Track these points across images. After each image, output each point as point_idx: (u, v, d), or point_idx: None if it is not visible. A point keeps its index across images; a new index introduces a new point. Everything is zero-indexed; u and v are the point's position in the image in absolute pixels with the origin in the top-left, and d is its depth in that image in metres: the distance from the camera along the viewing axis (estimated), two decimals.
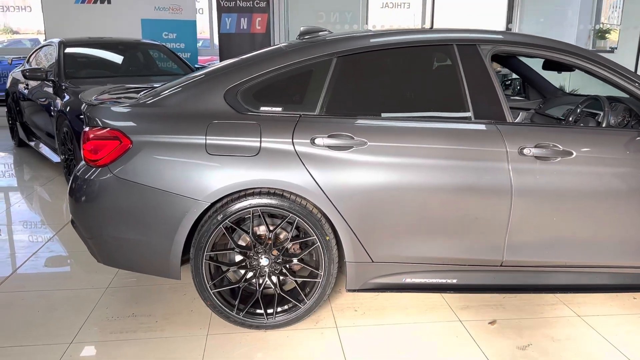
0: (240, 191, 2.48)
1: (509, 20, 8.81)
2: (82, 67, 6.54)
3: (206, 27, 11.60)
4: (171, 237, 2.48)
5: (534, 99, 4.00)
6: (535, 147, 2.52)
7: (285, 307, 2.63)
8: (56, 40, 6.55)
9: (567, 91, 4.23)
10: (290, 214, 2.50)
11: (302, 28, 3.07)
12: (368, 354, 2.45)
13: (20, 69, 6.97)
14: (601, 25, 8.44)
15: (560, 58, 2.72)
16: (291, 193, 2.49)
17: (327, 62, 2.62)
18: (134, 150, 2.48)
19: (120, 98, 2.86)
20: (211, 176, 2.44)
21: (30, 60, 7.09)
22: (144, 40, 7.76)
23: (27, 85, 6.47)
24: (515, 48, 2.77)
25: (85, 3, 9.69)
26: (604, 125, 2.86)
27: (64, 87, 5.41)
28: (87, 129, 2.59)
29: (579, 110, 3.15)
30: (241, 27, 10.51)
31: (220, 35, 10.40)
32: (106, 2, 9.75)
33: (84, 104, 2.73)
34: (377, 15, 11.67)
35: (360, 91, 2.67)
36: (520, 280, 2.68)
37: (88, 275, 3.25)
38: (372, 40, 2.69)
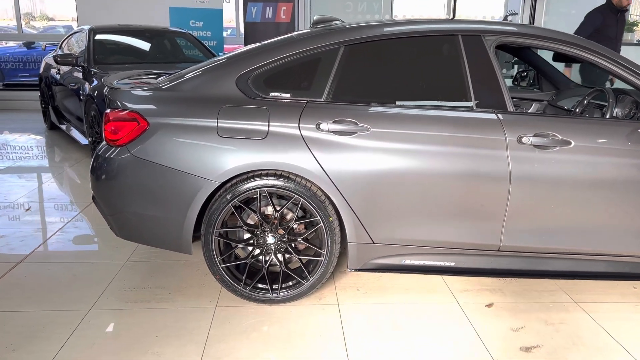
0: (248, 172, 2.63)
1: (532, 11, 8.73)
2: (111, 53, 6.77)
3: (234, 16, 11.77)
4: (184, 213, 2.65)
5: (547, 90, 4.03)
6: (534, 136, 2.59)
7: (290, 283, 2.77)
8: (87, 27, 6.80)
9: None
10: (295, 195, 2.63)
11: (315, 17, 3.19)
12: (364, 328, 2.57)
13: (52, 55, 7.25)
14: (629, 18, 8.29)
15: (564, 50, 2.77)
16: (297, 175, 2.62)
17: (335, 51, 2.73)
18: (150, 132, 2.64)
19: (141, 82, 3.03)
20: (221, 157, 2.59)
21: (63, 46, 7.36)
22: (171, 28, 7.96)
23: (58, 70, 6.74)
24: (519, 39, 2.83)
25: None
26: (607, 117, 2.90)
27: (92, 73, 5.64)
28: (108, 110, 2.76)
29: (585, 102, 3.19)
30: (266, 16, 10.63)
31: (246, 24, 10.54)
32: None
33: (106, 87, 2.90)
34: (403, 4, 11.67)
35: (366, 79, 2.77)
36: (517, 265, 2.76)
37: (109, 250, 3.45)
38: (379, 30, 2.79)
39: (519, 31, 2.84)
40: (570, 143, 2.59)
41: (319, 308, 2.76)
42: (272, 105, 2.64)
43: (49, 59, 7.39)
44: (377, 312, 2.73)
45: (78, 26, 8.91)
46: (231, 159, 2.59)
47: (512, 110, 2.66)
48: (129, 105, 2.71)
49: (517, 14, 10.76)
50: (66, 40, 7.34)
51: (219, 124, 2.60)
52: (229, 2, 11.38)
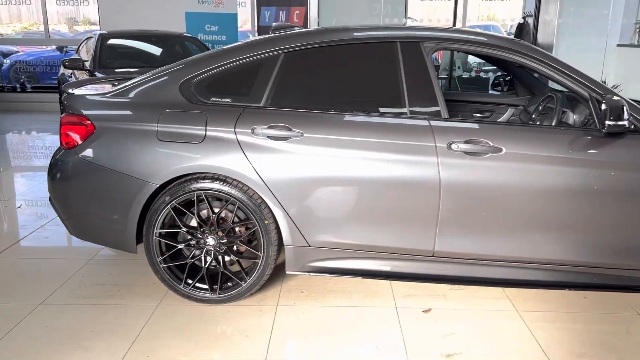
0: (186, 175, 2.72)
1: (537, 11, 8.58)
2: (117, 57, 7.03)
3: (249, 20, 11.96)
4: (127, 214, 2.76)
5: (522, 95, 3.99)
6: (465, 142, 2.58)
7: (229, 284, 2.85)
8: (98, 32, 7.08)
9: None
10: (232, 199, 2.71)
11: (274, 24, 3.26)
12: (293, 331, 2.63)
13: (63, 59, 7.56)
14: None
15: (503, 56, 2.75)
16: (233, 179, 2.70)
17: (275, 58, 2.80)
18: (96, 135, 2.77)
19: (97, 88, 3.16)
20: (160, 161, 2.69)
21: (80, 50, 7.67)
22: (178, 33, 8.17)
23: (72, 74, 7.03)
24: (459, 45, 2.83)
25: None
26: (554, 123, 2.87)
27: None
28: (63, 115, 2.91)
29: (540, 107, 3.15)
30: (280, 20, 10.76)
31: (260, 28, 10.71)
32: None
33: (64, 93, 3.05)
34: (417, 8, 11.61)
35: (304, 85, 2.82)
36: (453, 271, 2.76)
37: (79, 247, 3.60)
38: (318, 37, 2.84)
39: (458, 37, 2.84)
40: (501, 150, 2.57)
41: (256, 309, 2.82)
42: (211, 110, 2.73)
43: None
44: (312, 315, 2.78)
45: (100, 30, 9.28)
46: (169, 162, 2.69)
47: (446, 117, 2.66)
48: (79, 109, 2.85)
49: (532, 15, 10.56)
50: (83, 45, 7.65)
51: (159, 128, 2.70)
52: (245, 6, 11.57)
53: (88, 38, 7.50)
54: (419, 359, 2.41)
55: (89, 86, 3.24)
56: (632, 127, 2.55)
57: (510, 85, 4.22)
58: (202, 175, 2.72)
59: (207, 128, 2.69)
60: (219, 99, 2.78)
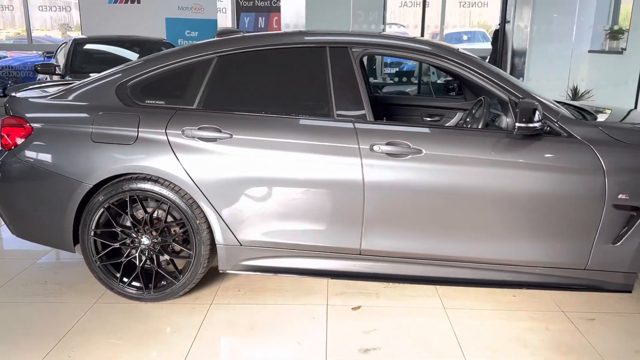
0: (120, 175, 2.79)
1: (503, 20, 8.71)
2: (91, 62, 7.11)
3: (230, 26, 12.05)
4: (63, 214, 2.83)
5: (470, 99, 4.07)
6: (386, 144, 2.67)
7: (163, 283, 2.92)
8: (72, 37, 7.16)
9: None
10: (164, 199, 2.78)
11: (219, 29, 3.35)
12: (221, 328, 2.69)
13: (35, 64, 7.63)
14: (614, 27, 8.14)
15: (427, 61, 2.85)
16: (164, 180, 2.77)
17: (208, 61, 2.88)
18: (34, 137, 2.84)
19: (38, 91, 3.23)
20: (94, 161, 2.77)
21: (57, 55, 7.74)
22: (154, 38, 8.25)
23: (46, 79, 7.10)
24: (385, 51, 2.92)
25: (117, 3, 10.34)
26: (480, 126, 2.95)
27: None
28: (3, 117, 2.98)
29: (474, 111, 3.24)
30: (259, 26, 10.86)
31: None
32: (136, 2, 10.36)
33: (7, 97, 3.12)
34: (396, 14, 11.74)
35: (236, 88, 2.91)
36: (379, 269, 2.83)
37: (29, 248, 3.65)
38: (251, 42, 2.92)
39: (385, 43, 2.92)
40: (421, 152, 2.66)
41: (190, 307, 2.89)
42: (144, 112, 2.81)
43: None
44: (243, 312, 2.84)
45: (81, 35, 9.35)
46: (102, 163, 2.76)
47: (370, 120, 2.75)
48: (18, 111, 2.92)
49: (509, 22, 10.69)
50: (60, 50, 7.72)
51: (93, 130, 2.78)
52: (225, 12, 11.67)
53: (65, 43, 7.57)
54: (337, 353, 2.48)
55: (33, 90, 3.31)
56: (547, 129, 2.63)
57: (460, 89, 4.31)
58: (134, 176, 2.79)
59: (140, 130, 2.76)
60: (153, 102, 2.86)
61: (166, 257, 2.90)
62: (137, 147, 2.75)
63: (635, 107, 6.98)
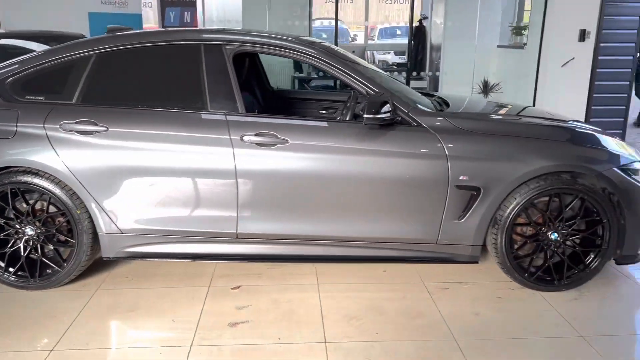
0: (1, 169, 2.89)
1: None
2: (5, 58, 6.95)
3: (155, 21, 11.94)
4: None
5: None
6: (256, 135, 2.89)
7: (49, 271, 3.04)
8: None
9: None
10: (45, 191, 2.90)
11: (108, 26, 3.47)
12: (102, 311, 2.85)
13: None
14: (517, 23, 8.71)
15: (297, 58, 3.09)
16: (45, 172, 2.89)
17: (87, 58, 3.02)
18: None
19: None
20: None
21: None
22: (71, 33, 8.12)
23: None
24: (257, 48, 3.14)
25: None
26: (348, 118, 3.22)
27: None
28: None
29: (349, 105, 3.51)
30: (185, 21, 10.84)
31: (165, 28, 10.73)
32: None
33: None
34: (322, 10, 12.00)
35: (115, 84, 3.05)
36: (256, 250, 3.06)
37: None
38: (131, 40, 3.07)
39: (256, 40, 3.14)
40: (287, 141, 2.90)
41: (75, 293, 3.03)
42: (23, 107, 2.91)
43: None
44: (127, 296, 3.01)
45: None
46: None
47: (242, 113, 2.96)
48: None
49: (427, 17, 11.19)
50: None
51: None
52: (151, 7, 11.56)
53: None
54: (206, 328, 2.69)
55: None
56: (398, 119, 2.93)
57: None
58: (14, 169, 2.90)
59: (18, 124, 2.87)
60: (33, 97, 2.96)
61: (51, 246, 3.01)
62: (16, 141, 2.86)
63: (534, 98, 7.50)
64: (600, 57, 5.93)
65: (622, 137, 6.30)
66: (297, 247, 3.08)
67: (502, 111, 3.58)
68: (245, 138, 2.89)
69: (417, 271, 3.34)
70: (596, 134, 3.20)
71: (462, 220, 2.98)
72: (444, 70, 9.38)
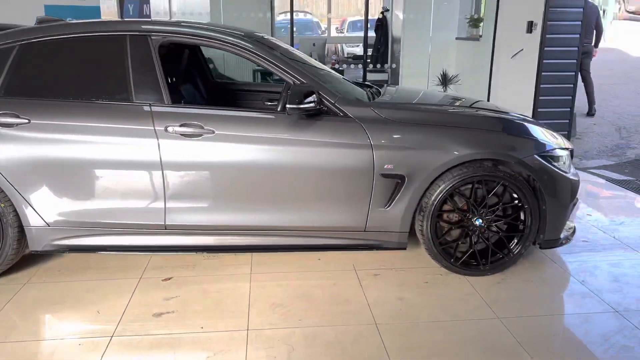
0: None
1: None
2: None
3: (114, 13, 11.77)
4: None
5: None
6: (181, 126, 2.90)
7: None
8: None
9: None
10: None
11: (38, 17, 3.41)
12: (27, 304, 2.83)
13: None
14: (473, 15, 8.82)
15: (228, 50, 3.08)
16: None
17: (9, 49, 2.97)
18: None
19: None
20: None
21: None
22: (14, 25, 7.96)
23: None
24: (184, 39, 3.12)
25: None
26: (279, 108, 3.24)
27: None
28: None
29: (285, 94, 3.52)
30: (144, 13, 10.69)
31: None
32: None
33: None
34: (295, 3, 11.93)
35: (39, 76, 3.02)
36: (186, 241, 3.07)
37: None
38: (55, 31, 3.03)
39: (184, 31, 3.13)
40: (213, 132, 2.91)
41: (1, 287, 2.99)
42: None
43: None
44: (56, 289, 2.99)
45: None
46: None
47: (167, 103, 2.96)
48: None
49: (388, 10, 11.24)
50: None
51: None
52: None
53: None
54: (130, 319, 2.70)
55: None
56: (324, 109, 2.96)
57: None
58: None
59: None
60: None
61: None
62: None
63: (489, 90, 7.62)
64: (546, 48, 6.05)
65: (570, 127, 6.45)
66: (228, 237, 3.09)
67: (436, 101, 3.66)
68: (170, 129, 2.89)
69: (351, 259, 3.39)
70: (525, 124, 3.28)
71: (389, 208, 3.03)
72: (403, 62, 9.47)
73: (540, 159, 3.03)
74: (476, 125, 3.09)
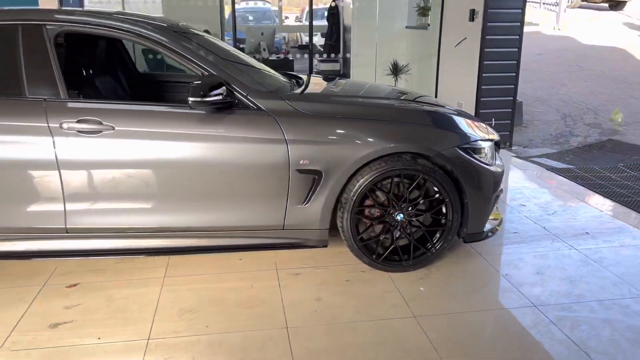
0: None
1: None
2: None
3: (54, 5, 11.27)
4: None
5: None
6: (77, 122, 2.69)
7: None
8: None
9: None
10: None
11: None
12: None
13: None
14: (422, 3, 8.75)
15: (130, 39, 2.88)
16: None
17: None
18: None
19: None
20: None
21: None
22: None
23: None
24: (83, 28, 2.91)
25: None
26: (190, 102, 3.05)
27: None
28: None
29: (191, 85, 3.33)
30: (82, 6, 10.26)
31: None
32: None
33: None
34: None
35: None
36: (89, 245, 2.88)
37: None
38: None
39: (82, 20, 2.91)
40: (113, 128, 2.71)
41: None
42: None
43: None
44: None
45: None
46: None
47: (63, 98, 2.74)
48: None
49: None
50: None
51: None
52: None
53: None
54: (23, 331, 2.50)
55: None
56: (234, 101, 2.80)
57: None
58: None
59: None
60: None
61: None
62: None
63: (437, 79, 7.58)
64: (487, 37, 6.00)
65: (513, 116, 6.44)
66: (138, 240, 2.92)
67: (379, 95, 3.56)
68: (65, 125, 2.69)
69: (273, 258, 3.26)
70: (451, 116, 3.20)
71: (307, 205, 2.91)
72: (354, 52, 9.36)
73: (461, 152, 2.95)
74: (396, 119, 2.99)
